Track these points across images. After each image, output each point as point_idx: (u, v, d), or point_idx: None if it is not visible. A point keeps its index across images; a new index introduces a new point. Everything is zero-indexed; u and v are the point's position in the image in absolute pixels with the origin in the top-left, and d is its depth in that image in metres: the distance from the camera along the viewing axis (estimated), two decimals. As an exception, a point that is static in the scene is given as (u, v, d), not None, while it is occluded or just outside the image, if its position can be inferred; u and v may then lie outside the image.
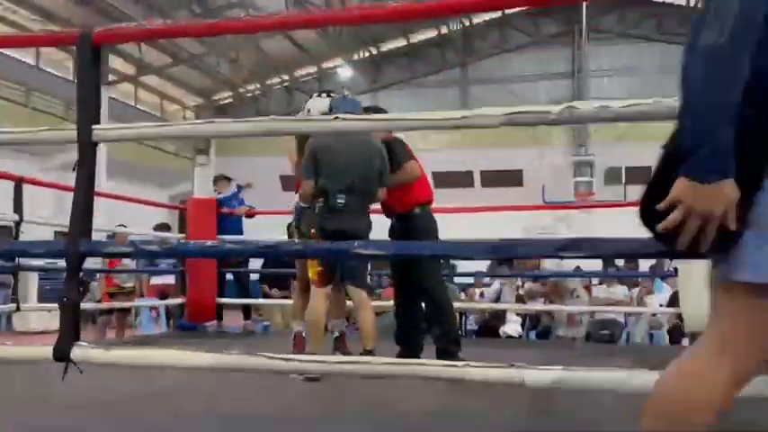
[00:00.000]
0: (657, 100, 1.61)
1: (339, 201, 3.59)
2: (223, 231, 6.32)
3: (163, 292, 7.28)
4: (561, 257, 1.67)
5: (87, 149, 1.92)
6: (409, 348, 3.87)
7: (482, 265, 8.02)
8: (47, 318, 9.05)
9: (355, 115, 3.75)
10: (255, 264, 7.87)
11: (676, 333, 6.79)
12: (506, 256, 1.68)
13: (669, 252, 1.98)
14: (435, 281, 4.07)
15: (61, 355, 1.85)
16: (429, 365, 1.71)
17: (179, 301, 6.18)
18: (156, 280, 7.44)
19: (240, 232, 6.90)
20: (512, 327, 7.10)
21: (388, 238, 3.90)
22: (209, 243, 1.85)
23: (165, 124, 1.73)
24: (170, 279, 7.45)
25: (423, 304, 4.14)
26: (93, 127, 1.93)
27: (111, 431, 2.30)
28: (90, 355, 1.85)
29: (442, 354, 3.67)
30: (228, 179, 7.19)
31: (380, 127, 1.84)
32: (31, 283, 7.66)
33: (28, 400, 2.86)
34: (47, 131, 2.06)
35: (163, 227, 7.49)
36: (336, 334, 4.00)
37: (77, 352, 1.85)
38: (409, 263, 3.99)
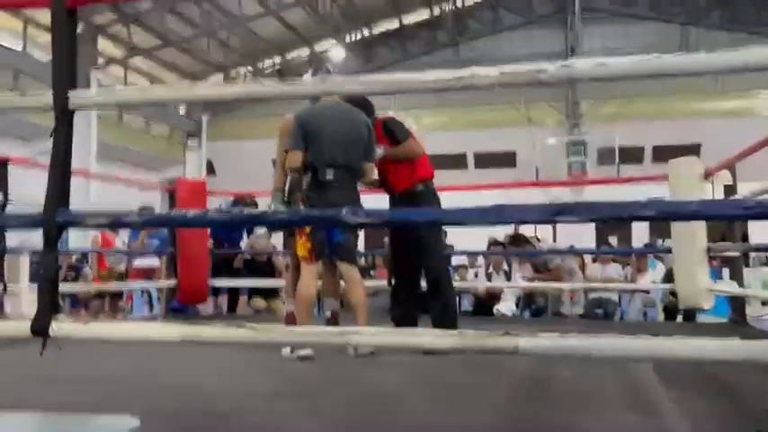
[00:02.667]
0: (657, 55, 1.54)
1: (328, 175, 3.52)
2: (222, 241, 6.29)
3: (148, 275, 7.22)
4: (556, 222, 1.61)
5: (63, 116, 1.84)
6: (405, 326, 3.83)
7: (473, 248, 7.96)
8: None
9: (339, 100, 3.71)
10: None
11: (671, 310, 6.78)
12: (498, 220, 1.61)
13: (665, 215, 1.93)
14: (438, 258, 4.03)
15: (39, 330, 1.78)
16: (423, 335, 1.65)
17: (171, 283, 6.11)
18: (140, 262, 7.38)
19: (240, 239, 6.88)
20: (506, 306, 7.07)
21: None
22: (191, 213, 1.78)
23: (145, 88, 1.66)
24: (155, 261, 7.40)
25: (421, 282, 4.10)
26: (70, 93, 1.85)
27: (100, 406, 2.24)
28: (68, 329, 1.78)
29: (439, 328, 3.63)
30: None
31: (373, 89, 1.76)
32: (23, 265, 7.56)
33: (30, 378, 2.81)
34: (21, 97, 1.98)
35: (145, 209, 7.41)
36: (328, 314, 3.95)
37: (56, 327, 1.78)
38: (410, 240, 3.95)
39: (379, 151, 3.84)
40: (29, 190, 5.70)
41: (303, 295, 3.54)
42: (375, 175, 3.80)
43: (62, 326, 1.79)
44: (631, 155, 16.80)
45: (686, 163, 4.90)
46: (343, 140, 3.58)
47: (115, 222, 1.77)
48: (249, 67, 19.54)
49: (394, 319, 4.02)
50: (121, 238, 7.93)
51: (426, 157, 4.08)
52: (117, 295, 7.70)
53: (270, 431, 2.02)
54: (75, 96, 1.86)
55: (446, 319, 3.78)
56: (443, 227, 5.34)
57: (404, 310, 4.03)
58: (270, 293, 6.84)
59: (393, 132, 3.93)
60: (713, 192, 4.91)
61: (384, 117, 4.05)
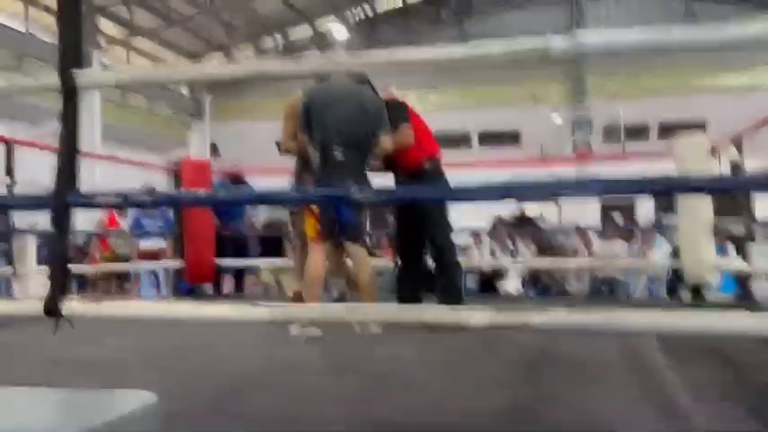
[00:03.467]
0: (667, 28, 1.53)
1: (336, 154, 3.51)
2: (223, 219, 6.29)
3: (153, 257, 7.25)
4: (562, 195, 1.61)
5: (70, 96, 1.84)
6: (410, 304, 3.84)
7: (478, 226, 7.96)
8: (47, 284, 9.02)
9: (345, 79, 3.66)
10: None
11: (676, 286, 6.79)
12: (505, 196, 1.61)
13: (671, 188, 1.92)
14: (444, 236, 4.03)
15: (51, 309, 1.79)
16: (431, 310, 1.66)
17: (177, 263, 6.13)
18: (144, 244, 7.41)
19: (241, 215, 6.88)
20: (511, 284, 7.09)
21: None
22: (200, 192, 1.78)
23: (151, 68, 1.66)
24: (159, 243, 7.43)
25: (427, 261, 4.11)
26: (76, 72, 1.85)
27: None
28: (80, 309, 1.79)
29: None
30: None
31: (377, 66, 1.76)
32: (30, 248, 7.61)
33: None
34: (28, 80, 1.98)
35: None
36: (336, 294, 3.96)
37: (68, 306, 1.79)
38: (417, 219, 3.94)
39: (389, 141, 3.75)
40: (34, 172, 5.75)
41: (311, 275, 3.55)
42: (389, 146, 3.67)
43: (74, 305, 1.80)
44: (637, 131, 16.71)
45: (692, 139, 4.87)
46: (351, 119, 3.55)
47: (125, 202, 1.77)
48: (251, 47, 19.43)
49: (400, 297, 4.04)
50: (126, 222, 7.96)
51: (431, 135, 4.06)
52: (124, 276, 7.73)
53: (284, 408, 2.04)
54: (82, 76, 1.86)
55: (452, 296, 3.78)
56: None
57: (409, 288, 4.05)
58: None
59: (389, 115, 3.87)
60: (719, 167, 4.89)
61: (386, 97, 3.98)
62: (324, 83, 3.69)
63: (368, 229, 8.60)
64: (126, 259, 7.34)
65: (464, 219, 7.31)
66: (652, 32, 1.52)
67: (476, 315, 1.52)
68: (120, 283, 7.71)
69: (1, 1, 13.99)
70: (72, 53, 1.85)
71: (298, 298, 3.90)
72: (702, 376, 2.40)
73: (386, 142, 3.61)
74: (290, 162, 4.08)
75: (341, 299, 3.89)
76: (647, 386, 2.34)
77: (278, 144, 3.99)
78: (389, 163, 3.95)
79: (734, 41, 1.58)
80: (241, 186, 6.87)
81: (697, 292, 6.31)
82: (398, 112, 3.90)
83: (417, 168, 3.90)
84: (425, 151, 3.94)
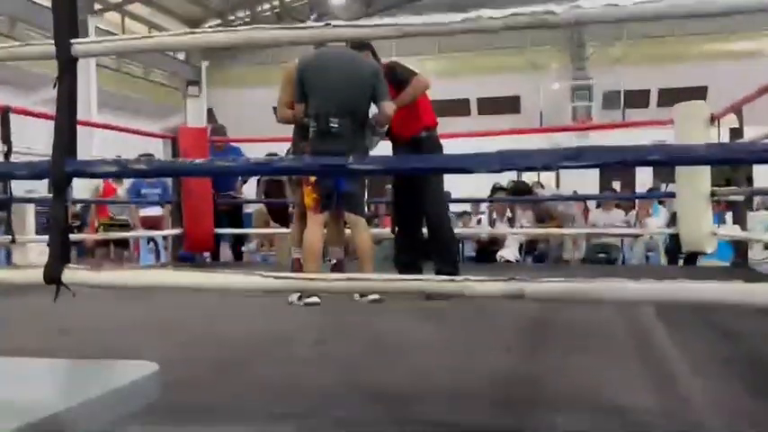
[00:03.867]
0: (667, -4, 1.51)
1: (332, 124, 3.48)
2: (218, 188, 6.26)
3: (152, 225, 7.27)
4: (564, 167, 1.61)
5: (67, 65, 1.83)
6: (409, 272, 3.87)
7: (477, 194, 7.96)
8: (47, 252, 9.04)
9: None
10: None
11: (673, 253, 6.83)
12: (505, 167, 1.61)
13: (672, 160, 1.93)
14: (438, 205, 4.04)
15: (52, 277, 1.81)
16: (428, 280, 1.67)
17: (176, 231, 6.15)
18: (143, 212, 7.42)
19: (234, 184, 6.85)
20: (509, 252, 7.12)
21: None
22: (198, 161, 1.78)
23: (146, 36, 1.63)
24: (158, 210, 7.43)
25: (424, 229, 4.14)
26: (72, 41, 1.83)
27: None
28: (81, 277, 1.80)
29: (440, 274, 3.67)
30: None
31: (376, 33, 1.74)
32: (29, 216, 7.60)
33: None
34: (23, 47, 1.96)
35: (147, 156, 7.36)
36: (333, 261, 3.99)
37: (68, 274, 1.80)
38: (413, 188, 3.95)
39: (390, 106, 3.74)
40: (29, 140, 5.73)
41: (310, 244, 3.57)
42: (391, 111, 3.59)
43: (75, 273, 1.81)
44: (637, 99, 16.61)
45: (692, 107, 4.86)
46: (347, 87, 3.51)
47: (124, 171, 1.77)
48: (247, 11, 19.16)
49: (398, 265, 4.07)
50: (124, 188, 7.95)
51: (430, 105, 4.05)
52: (122, 243, 7.73)
53: (285, 377, 2.06)
54: (78, 44, 1.85)
55: (447, 265, 3.81)
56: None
57: (408, 256, 4.08)
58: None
59: (396, 75, 3.86)
60: (719, 135, 4.87)
61: (386, 63, 3.98)
62: (319, 49, 3.65)
63: (367, 197, 8.60)
64: (125, 225, 7.35)
65: (463, 187, 7.33)
66: (653, 1, 1.50)
67: (471, 285, 1.54)
68: (119, 251, 7.73)
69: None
70: (68, 22, 1.83)
71: (297, 266, 3.93)
72: (700, 347, 2.43)
73: (387, 108, 3.55)
74: (286, 130, 4.07)
75: (338, 266, 3.91)
76: (645, 356, 2.37)
77: (275, 110, 3.97)
78: (388, 131, 3.96)
79: (736, 7, 1.57)
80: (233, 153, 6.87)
81: (691, 259, 6.36)
82: (402, 70, 3.91)
83: (413, 138, 3.90)
84: (423, 121, 3.94)
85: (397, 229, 4.21)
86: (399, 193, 4.14)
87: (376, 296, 3.32)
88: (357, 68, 3.57)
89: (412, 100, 3.83)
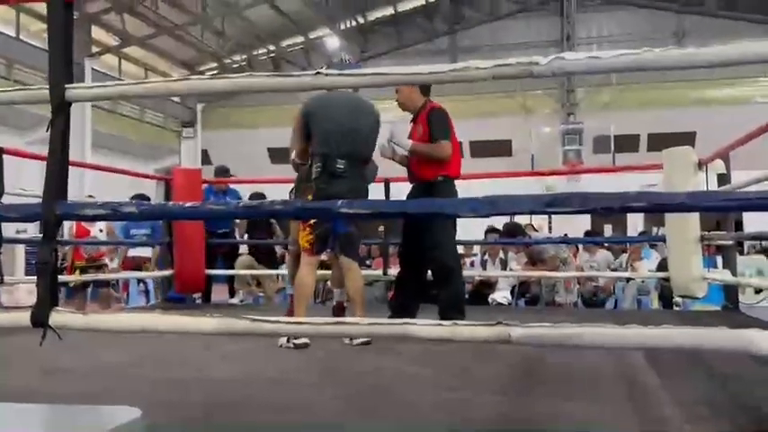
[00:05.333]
0: (647, 49, 1.56)
1: (339, 166, 3.49)
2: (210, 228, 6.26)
3: (138, 265, 7.22)
4: (549, 213, 1.63)
5: (60, 109, 1.85)
6: (403, 316, 3.85)
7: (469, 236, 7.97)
8: (35, 291, 8.94)
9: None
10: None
11: (667, 298, 6.83)
12: (491, 212, 1.63)
13: (659, 206, 1.95)
14: (449, 249, 4.04)
15: (39, 320, 1.80)
16: (416, 325, 1.67)
17: (167, 273, 6.12)
18: (131, 252, 7.38)
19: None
20: (501, 294, 7.11)
21: None
22: (188, 204, 1.80)
23: (140, 81, 1.66)
24: (146, 252, 7.40)
25: (427, 272, 4.12)
26: (66, 86, 1.86)
27: (103, 396, 2.27)
28: (68, 320, 1.80)
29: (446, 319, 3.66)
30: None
31: (366, 82, 1.78)
32: (18, 257, 7.57)
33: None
34: (18, 91, 1.99)
35: (140, 197, 7.36)
36: (335, 303, 3.98)
37: (56, 317, 1.80)
38: (423, 230, 3.96)
39: (407, 143, 3.81)
40: (23, 180, 5.75)
41: (302, 286, 3.56)
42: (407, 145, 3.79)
43: (61, 316, 1.81)
44: (627, 143, 16.82)
45: (680, 152, 4.92)
46: (351, 130, 3.54)
47: (113, 214, 1.78)
48: (243, 56, 19.44)
49: (393, 308, 4.04)
50: (98, 227, 7.89)
51: (459, 158, 4.06)
52: (103, 284, 7.59)
53: (273, 421, 2.04)
54: (72, 89, 1.88)
55: (455, 310, 3.78)
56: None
57: (406, 299, 4.06)
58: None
59: (431, 123, 3.93)
60: (707, 181, 4.94)
61: (434, 105, 4.04)
62: (326, 92, 3.67)
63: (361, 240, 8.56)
64: (100, 266, 7.28)
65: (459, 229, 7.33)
66: (634, 54, 1.55)
67: (459, 330, 1.54)
68: (104, 291, 7.62)
69: (-8, 7, 13.96)
70: (63, 67, 1.86)
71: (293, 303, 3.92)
72: (691, 392, 2.42)
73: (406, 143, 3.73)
74: (282, 171, 4.10)
75: (339, 307, 3.91)
76: (637, 401, 2.36)
77: (269, 150, 3.99)
78: (408, 168, 4.02)
79: (720, 62, 1.61)
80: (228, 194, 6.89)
81: (670, 302, 6.37)
82: (441, 127, 3.96)
83: (429, 182, 3.93)
84: (443, 169, 3.96)
85: (400, 270, 4.20)
86: (407, 234, 4.14)
87: (365, 339, 3.30)
88: (363, 113, 3.64)
89: (423, 155, 3.89)
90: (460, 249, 8.82)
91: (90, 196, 7.11)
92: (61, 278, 6.76)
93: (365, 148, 3.63)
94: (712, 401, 2.28)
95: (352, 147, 3.53)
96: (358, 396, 2.39)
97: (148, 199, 7.56)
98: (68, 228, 7.70)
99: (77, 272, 7.31)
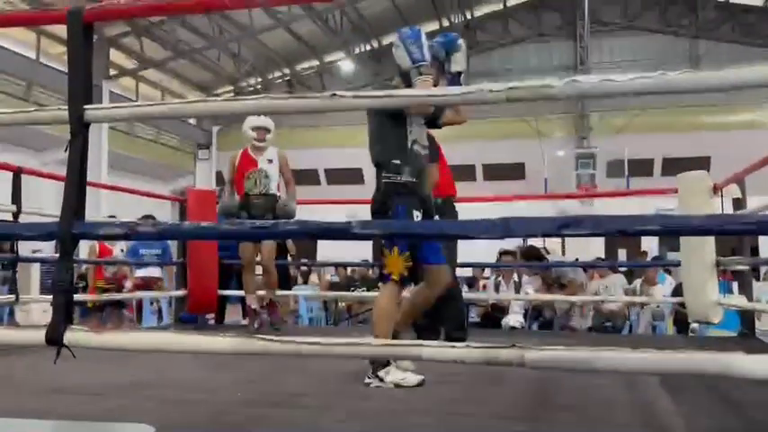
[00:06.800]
0: (662, 73, 1.56)
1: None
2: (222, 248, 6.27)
3: (148, 285, 7.25)
4: (564, 236, 1.63)
5: (79, 130, 1.88)
6: (428, 337, 3.83)
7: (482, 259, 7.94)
8: (50, 311, 9.00)
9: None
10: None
11: (682, 323, 6.75)
12: (503, 234, 1.63)
13: (670, 231, 1.94)
14: (454, 270, 4.04)
15: (53, 338, 1.81)
16: (429, 347, 1.67)
17: (181, 293, 6.14)
18: (139, 272, 7.41)
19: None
20: (514, 318, 7.05)
21: None
22: (203, 224, 1.81)
23: (158, 103, 1.68)
24: (155, 272, 7.43)
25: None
26: (85, 107, 1.89)
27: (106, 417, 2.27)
28: (83, 339, 1.81)
29: (451, 340, 3.64)
30: None
31: (379, 104, 1.79)
32: (33, 275, 7.62)
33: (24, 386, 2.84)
34: (37, 111, 2.03)
35: (148, 218, 7.40)
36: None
37: (70, 336, 1.81)
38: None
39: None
40: (41, 201, 5.82)
41: (390, 316, 3.08)
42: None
43: (76, 335, 1.82)
44: (641, 167, 16.75)
45: (695, 177, 4.90)
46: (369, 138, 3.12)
47: (130, 233, 1.80)
48: (259, 78, 19.66)
49: (417, 329, 4.03)
50: (119, 247, 7.95)
51: (451, 178, 4.07)
52: (119, 305, 7.63)
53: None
54: (91, 110, 1.91)
55: (458, 330, 3.79)
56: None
57: (428, 320, 4.04)
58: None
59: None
60: (722, 205, 4.90)
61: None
62: None
63: (371, 259, 8.61)
64: (117, 288, 7.33)
65: (469, 252, 7.33)
66: (649, 77, 1.55)
67: (473, 352, 1.53)
68: (118, 312, 7.66)
69: (12, 30, 14.21)
70: (82, 88, 1.90)
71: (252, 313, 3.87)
72: (706, 419, 2.38)
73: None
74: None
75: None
76: (649, 425, 2.33)
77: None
78: None
79: (734, 85, 1.61)
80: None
81: (685, 328, 6.29)
82: (433, 147, 3.94)
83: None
84: (439, 189, 3.96)
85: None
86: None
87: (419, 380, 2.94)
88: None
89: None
90: (470, 272, 8.81)
91: (111, 216, 7.16)
92: (77, 297, 6.82)
93: (374, 153, 3.41)
94: (726, 427, 2.25)
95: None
96: (367, 419, 2.37)
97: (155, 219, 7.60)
98: (90, 247, 7.77)
99: (98, 291, 7.37)
